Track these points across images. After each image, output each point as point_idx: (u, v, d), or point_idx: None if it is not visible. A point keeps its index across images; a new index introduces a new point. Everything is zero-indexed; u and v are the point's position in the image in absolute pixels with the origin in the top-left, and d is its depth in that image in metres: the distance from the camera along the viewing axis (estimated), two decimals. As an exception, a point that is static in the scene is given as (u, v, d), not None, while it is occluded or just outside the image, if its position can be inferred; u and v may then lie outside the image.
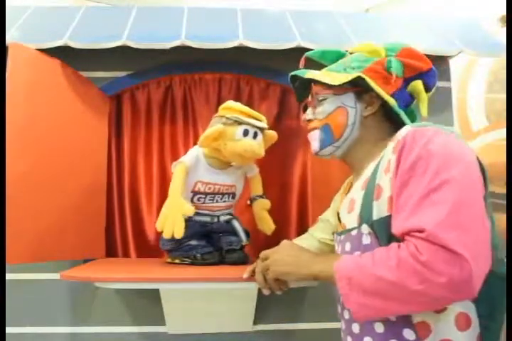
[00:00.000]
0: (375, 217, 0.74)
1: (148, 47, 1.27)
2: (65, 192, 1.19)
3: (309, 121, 0.91)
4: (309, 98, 0.94)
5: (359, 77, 0.83)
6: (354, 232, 0.79)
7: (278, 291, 0.88)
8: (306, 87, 0.96)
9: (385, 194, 0.74)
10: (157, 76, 1.42)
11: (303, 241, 1.07)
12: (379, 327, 0.75)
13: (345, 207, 0.84)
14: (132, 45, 1.26)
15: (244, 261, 1.12)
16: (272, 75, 1.43)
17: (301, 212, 1.45)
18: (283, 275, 0.83)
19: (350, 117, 0.86)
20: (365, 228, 0.76)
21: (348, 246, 0.80)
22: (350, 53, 0.93)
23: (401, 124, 0.81)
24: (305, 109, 0.95)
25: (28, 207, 1.06)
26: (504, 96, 2.18)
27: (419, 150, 0.68)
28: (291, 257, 0.82)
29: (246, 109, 1.12)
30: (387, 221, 0.72)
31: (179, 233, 1.01)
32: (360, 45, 0.90)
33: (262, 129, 1.12)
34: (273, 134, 1.17)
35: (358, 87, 0.85)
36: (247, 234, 1.17)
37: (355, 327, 0.80)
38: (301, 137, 1.46)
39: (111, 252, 1.37)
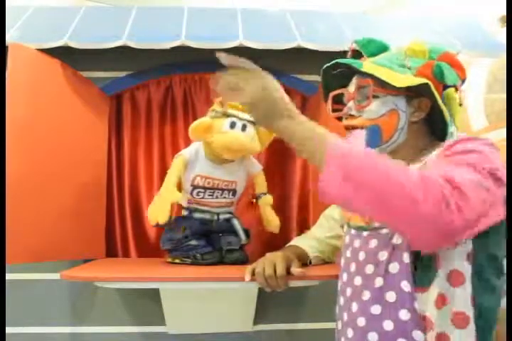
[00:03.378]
0: None
1: (148, 47, 1.27)
2: (65, 192, 1.19)
3: (351, 116, 0.84)
4: (350, 90, 0.85)
5: (425, 84, 0.78)
6: (384, 231, 0.78)
7: (278, 289, 0.88)
8: (343, 76, 0.88)
9: None
10: (157, 76, 1.42)
11: (303, 240, 1.08)
12: (388, 325, 0.74)
13: None
14: (132, 45, 1.26)
15: (244, 261, 1.12)
16: (271, 75, 1.43)
17: (303, 211, 1.44)
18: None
19: (401, 121, 0.82)
20: None
21: (373, 243, 0.79)
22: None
23: (438, 132, 0.83)
24: (335, 100, 0.89)
25: (28, 207, 1.06)
26: (504, 96, 2.17)
27: (462, 147, 0.71)
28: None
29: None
30: None
31: (162, 218, 1.02)
32: (413, 43, 0.84)
33: (254, 123, 1.09)
34: None
35: (410, 91, 0.80)
36: (247, 233, 1.17)
37: (361, 321, 0.78)
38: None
39: (111, 252, 1.37)
